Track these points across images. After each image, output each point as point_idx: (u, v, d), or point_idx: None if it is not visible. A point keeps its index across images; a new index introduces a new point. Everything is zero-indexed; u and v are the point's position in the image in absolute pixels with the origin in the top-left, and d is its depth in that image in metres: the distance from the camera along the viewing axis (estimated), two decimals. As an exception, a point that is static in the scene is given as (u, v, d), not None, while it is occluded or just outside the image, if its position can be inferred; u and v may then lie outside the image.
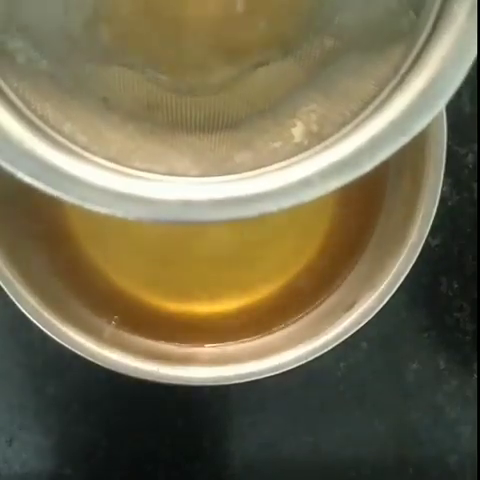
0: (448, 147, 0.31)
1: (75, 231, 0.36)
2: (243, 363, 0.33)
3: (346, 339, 0.32)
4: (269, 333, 0.36)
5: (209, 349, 0.35)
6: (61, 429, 0.40)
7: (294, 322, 0.36)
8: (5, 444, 0.40)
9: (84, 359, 0.32)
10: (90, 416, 0.40)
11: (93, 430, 0.40)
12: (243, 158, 0.21)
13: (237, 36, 0.24)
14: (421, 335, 0.41)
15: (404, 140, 0.19)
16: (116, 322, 0.35)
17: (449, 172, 0.32)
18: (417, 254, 0.32)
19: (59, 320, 0.32)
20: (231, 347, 0.35)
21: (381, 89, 0.20)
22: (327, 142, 0.21)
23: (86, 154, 0.20)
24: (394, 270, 0.32)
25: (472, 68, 0.19)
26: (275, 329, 0.36)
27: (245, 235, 0.37)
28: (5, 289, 0.32)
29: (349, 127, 0.20)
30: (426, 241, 0.32)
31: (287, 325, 0.36)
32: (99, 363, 0.32)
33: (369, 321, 0.32)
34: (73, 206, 0.19)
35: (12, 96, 0.20)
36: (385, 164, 0.19)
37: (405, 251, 0.32)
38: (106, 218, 0.19)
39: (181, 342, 0.35)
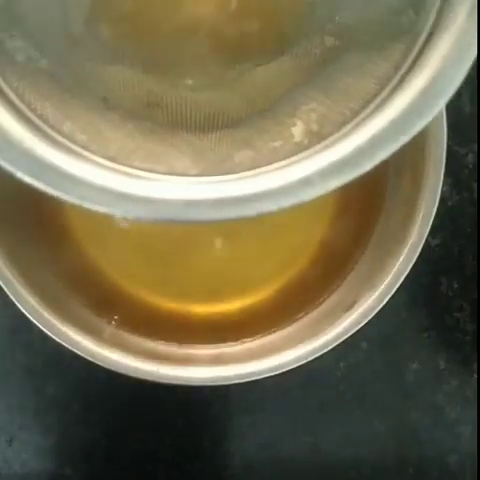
0: (448, 147, 0.31)
1: (75, 231, 0.36)
2: (243, 363, 0.33)
3: (346, 339, 0.32)
4: (269, 333, 0.35)
5: (209, 349, 0.35)
6: (61, 429, 0.40)
7: (294, 322, 0.36)
8: (5, 444, 0.40)
9: (84, 359, 0.32)
10: (90, 416, 0.40)
11: (93, 430, 0.40)
12: (243, 157, 0.21)
13: (236, 35, 0.24)
14: (421, 335, 0.41)
15: (404, 139, 0.19)
16: (116, 322, 0.35)
17: (449, 172, 0.32)
18: (417, 254, 0.32)
19: (59, 320, 0.32)
20: (231, 347, 0.35)
21: (381, 88, 0.20)
22: (327, 141, 0.21)
23: (86, 153, 0.20)
24: (394, 270, 0.32)
25: (472, 68, 0.19)
26: (275, 329, 0.36)
27: (245, 235, 0.37)
28: (5, 289, 0.32)
29: (349, 126, 0.20)
30: (426, 241, 0.32)
31: (287, 325, 0.36)
32: (99, 363, 0.32)
33: (369, 321, 0.32)
34: (73, 206, 0.19)
35: (12, 96, 0.20)
36: (385, 163, 0.19)
37: (405, 251, 0.32)
38: (106, 218, 0.19)
39: (181, 342, 0.35)
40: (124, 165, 0.20)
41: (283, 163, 0.21)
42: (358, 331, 0.32)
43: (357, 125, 0.20)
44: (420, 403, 0.41)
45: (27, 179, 0.18)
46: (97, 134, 0.21)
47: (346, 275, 0.36)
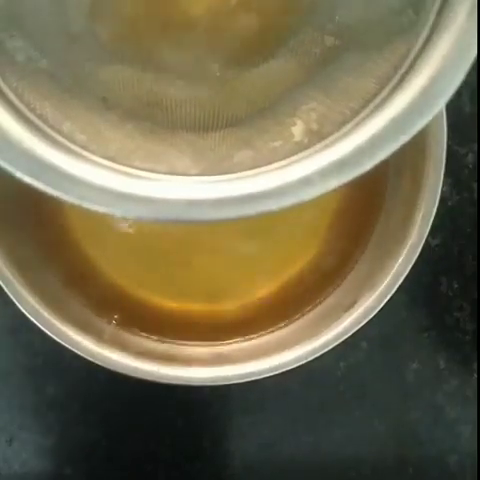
0: (448, 147, 0.31)
1: (75, 231, 0.36)
2: (243, 363, 0.33)
3: (346, 339, 0.32)
4: (269, 333, 0.35)
5: (209, 349, 0.35)
6: (61, 429, 0.40)
7: (294, 322, 0.35)
8: (5, 444, 0.40)
9: (84, 359, 0.32)
10: (90, 416, 0.40)
11: (93, 430, 0.40)
12: (243, 157, 0.21)
13: (236, 34, 0.24)
14: (421, 335, 0.41)
15: (404, 139, 0.19)
16: (116, 322, 0.35)
17: (449, 172, 0.32)
18: (417, 254, 0.32)
19: (59, 320, 0.32)
20: (231, 347, 0.35)
21: (381, 87, 0.20)
22: (327, 141, 0.21)
23: (85, 153, 0.20)
24: (394, 270, 0.32)
25: (472, 68, 0.19)
26: (275, 329, 0.36)
27: (245, 235, 0.37)
28: (5, 289, 0.32)
29: (349, 126, 0.20)
30: (426, 241, 0.32)
31: (287, 325, 0.36)
32: (99, 363, 0.32)
33: (369, 321, 0.32)
34: (73, 206, 0.19)
35: (11, 96, 0.20)
36: (385, 163, 0.19)
37: (405, 251, 0.32)
38: (106, 218, 0.19)
39: (181, 342, 0.35)
40: (124, 165, 0.20)
41: (283, 163, 0.21)
42: (358, 331, 0.32)
43: (357, 125, 0.20)
44: (420, 403, 0.41)
45: (27, 179, 0.18)
46: (97, 134, 0.21)
47: (346, 275, 0.36)
